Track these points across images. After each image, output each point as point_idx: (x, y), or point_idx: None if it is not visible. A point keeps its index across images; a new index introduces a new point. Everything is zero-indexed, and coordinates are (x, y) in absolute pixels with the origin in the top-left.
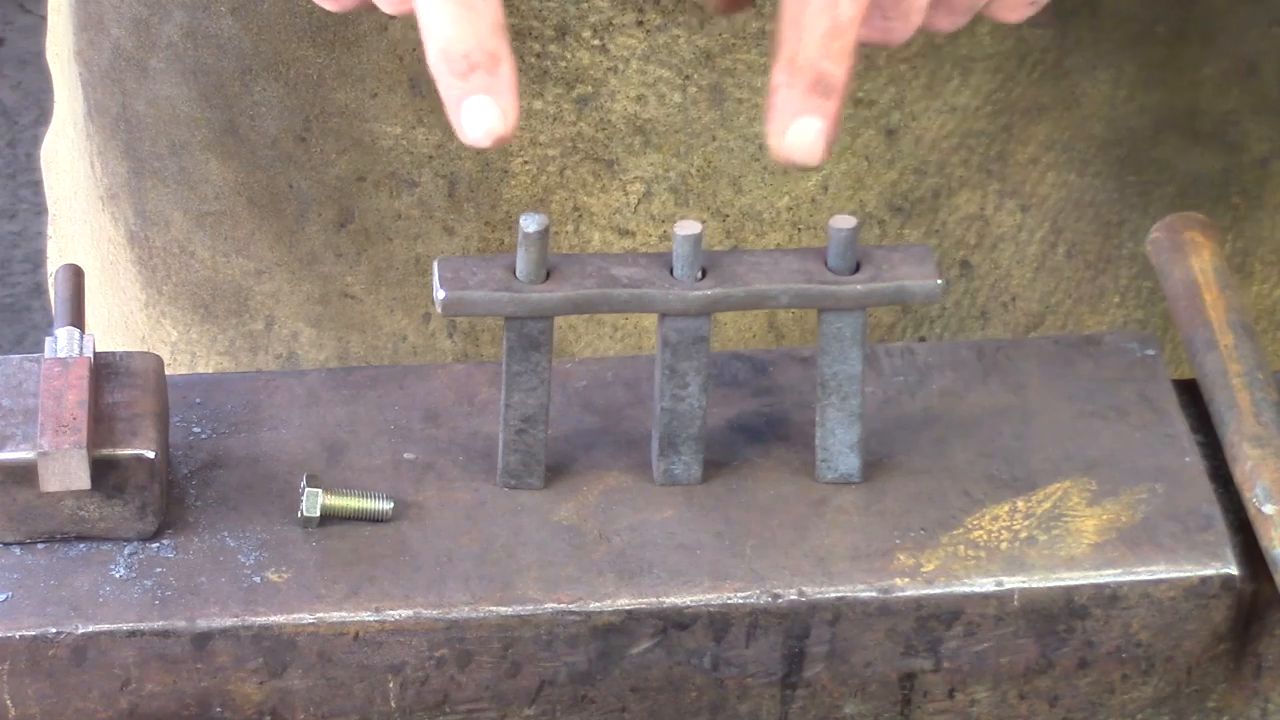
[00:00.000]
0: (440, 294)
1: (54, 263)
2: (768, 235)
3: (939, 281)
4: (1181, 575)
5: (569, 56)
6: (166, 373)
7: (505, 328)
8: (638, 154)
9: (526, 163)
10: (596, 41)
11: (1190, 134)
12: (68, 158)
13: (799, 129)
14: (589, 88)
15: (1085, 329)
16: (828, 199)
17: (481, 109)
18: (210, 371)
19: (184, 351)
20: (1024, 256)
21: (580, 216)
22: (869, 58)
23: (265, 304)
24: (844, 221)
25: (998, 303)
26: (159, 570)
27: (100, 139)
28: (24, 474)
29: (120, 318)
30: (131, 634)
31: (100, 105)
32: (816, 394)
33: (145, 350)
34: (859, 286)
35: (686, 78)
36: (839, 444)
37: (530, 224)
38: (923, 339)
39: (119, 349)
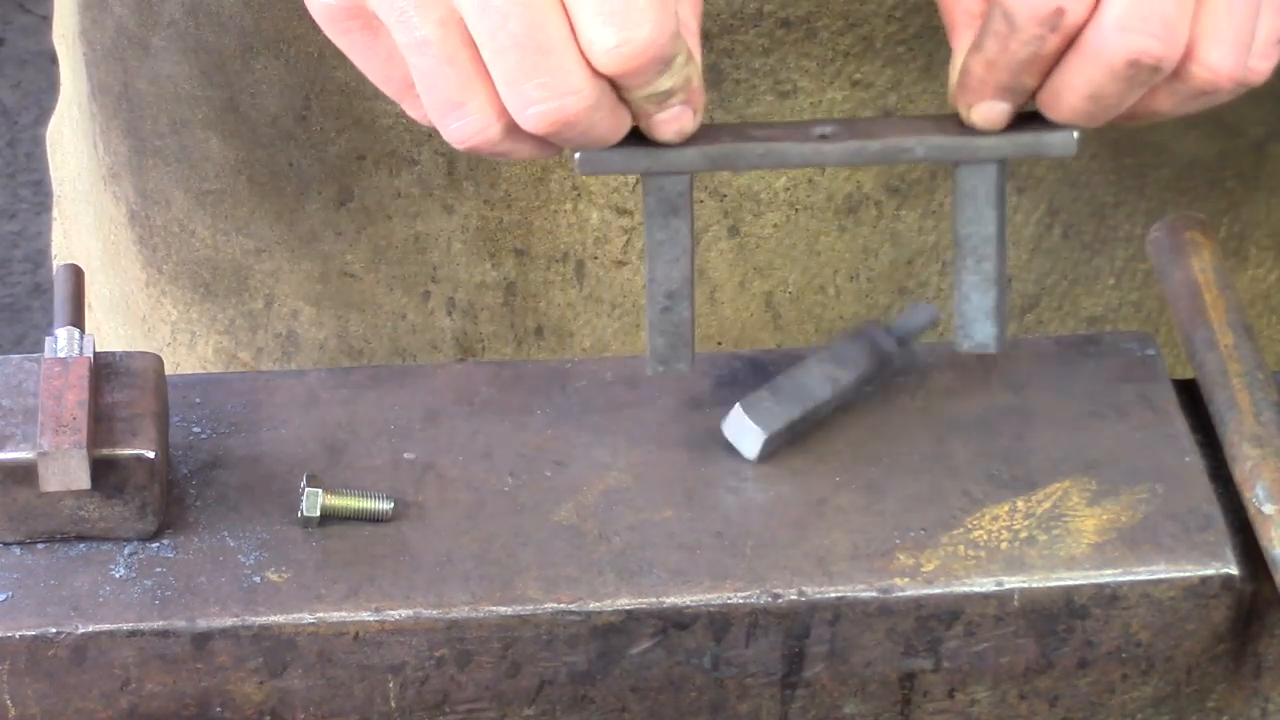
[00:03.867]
0: (577, 154)
1: (59, 245)
2: (765, 215)
3: (1075, 134)
4: (1181, 575)
5: None
6: (167, 354)
7: (644, 193)
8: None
9: None
10: None
11: (1186, 117)
12: (72, 139)
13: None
14: None
15: (1081, 310)
16: (824, 179)
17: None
18: (210, 351)
19: (184, 330)
20: (1020, 237)
21: (579, 195)
22: (866, 39)
23: (265, 283)
24: None
25: None
26: (159, 570)
27: (103, 118)
28: (24, 474)
29: (121, 298)
30: (131, 634)
31: (103, 84)
32: (953, 257)
33: (146, 328)
34: (996, 138)
35: None
36: (975, 310)
37: None
38: None
39: (120, 329)
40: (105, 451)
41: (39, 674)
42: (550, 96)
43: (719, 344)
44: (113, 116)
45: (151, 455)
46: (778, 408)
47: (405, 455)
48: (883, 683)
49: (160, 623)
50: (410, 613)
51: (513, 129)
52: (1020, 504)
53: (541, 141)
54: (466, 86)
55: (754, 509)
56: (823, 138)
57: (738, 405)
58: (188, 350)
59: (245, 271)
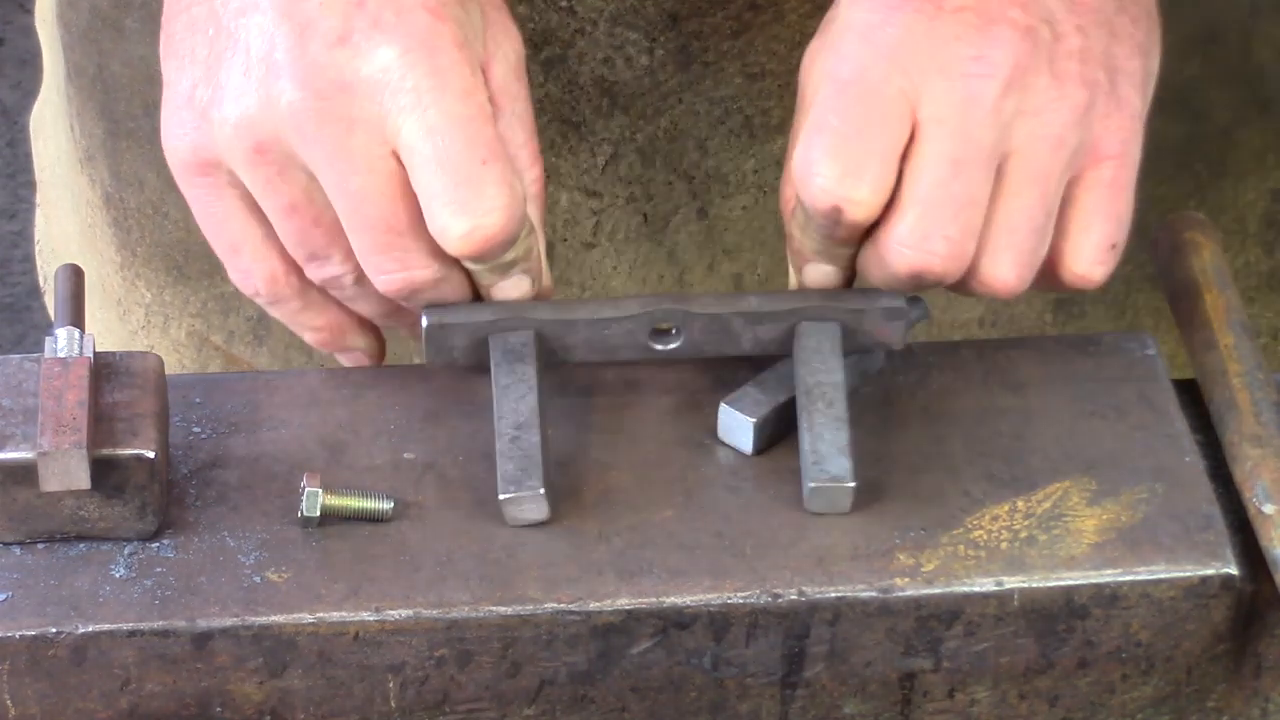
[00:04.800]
0: (425, 320)
1: (41, 231)
2: (734, 198)
3: (901, 300)
4: (1181, 575)
5: (537, 18)
6: (140, 337)
7: (490, 346)
8: (605, 116)
9: None
10: (565, 3)
11: (1153, 101)
12: (52, 124)
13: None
14: (557, 49)
15: (1048, 292)
16: None
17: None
18: (183, 334)
19: (157, 313)
20: None
21: (549, 177)
22: None
23: None
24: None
25: None
26: (159, 570)
27: (79, 101)
28: (24, 474)
29: (97, 281)
30: (131, 634)
31: (79, 67)
32: (802, 402)
33: (121, 310)
34: (828, 295)
35: (654, 40)
36: (829, 447)
37: None
38: None
39: (97, 313)
40: (105, 451)
41: (39, 674)
42: (399, 269)
43: None
44: (88, 99)
45: (151, 455)
46: (763, 396)
47: (405, 455)
48: (883, 683)
49: (160, 623)
50: (410, 613)
51: (365, 279)
52: (1020, 504)
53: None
54: (332, 242)
55: (754, 509)
56: (665, 293)
57: (723, 404)
58: (161, 333)
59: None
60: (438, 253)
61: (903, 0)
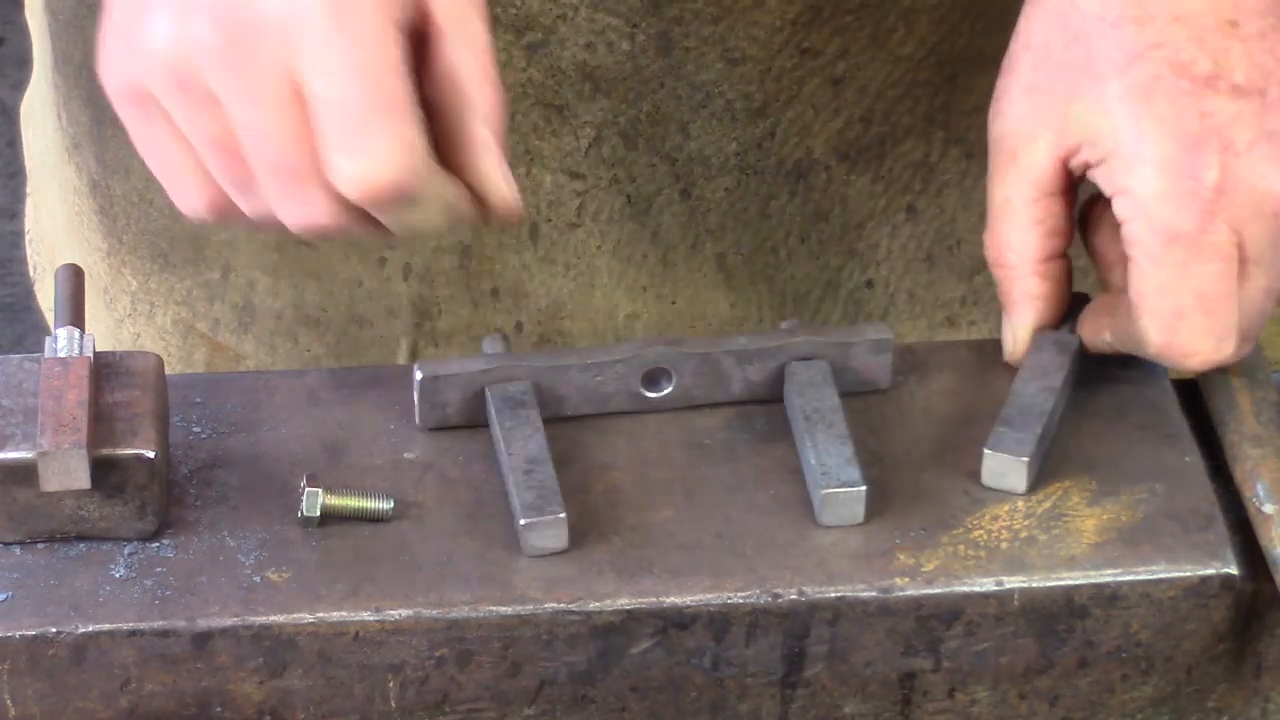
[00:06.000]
0: (418, 374)
1: (31, 221)
2: (716, 180)
3: (889, 330)
4: (1181, 575)
5: (519, 3)
6: (126, 325)
7: (488, 397)
8: (588, 100)
9: None
10: None
11: None
12: (40, 112)
13: None
14: (539, 34)
15: None
16: (775, 145)
17: None
18: (169, 321)
19: (143, 301)
20: (969, 202)
21: (532, 160)
22: (815, 7)
23: (222, 252)
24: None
25: (943, 247)
26: (159, 570)
27: (65, 88)
28: (24, 474)
29: (85, 269)
30: (131, 634)
31: (65, 54)
32: (803, 426)
33: (108, 299)
34: (817, 337)
35: (635, 25)
36: (836, 459)
37: (490, 345)
38: (870, 283)
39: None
40: (105, 451)
41: (39, 674)
42: (303, 215)
43: (673, 303)
44: (74, 86)
45: (151, 455)
46: (1022, 434)
47: (405, 455)
48: (883, 683)
49: (160, 623)
50: (410, 613)
51: None
52: (1020, 504)
53: None
54: (255, 176)
55: (754, 509)
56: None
57: (986, 451)
58: (146, 321)
59: (202, 241)
60: (341, 197)
61: (1201, 140)
